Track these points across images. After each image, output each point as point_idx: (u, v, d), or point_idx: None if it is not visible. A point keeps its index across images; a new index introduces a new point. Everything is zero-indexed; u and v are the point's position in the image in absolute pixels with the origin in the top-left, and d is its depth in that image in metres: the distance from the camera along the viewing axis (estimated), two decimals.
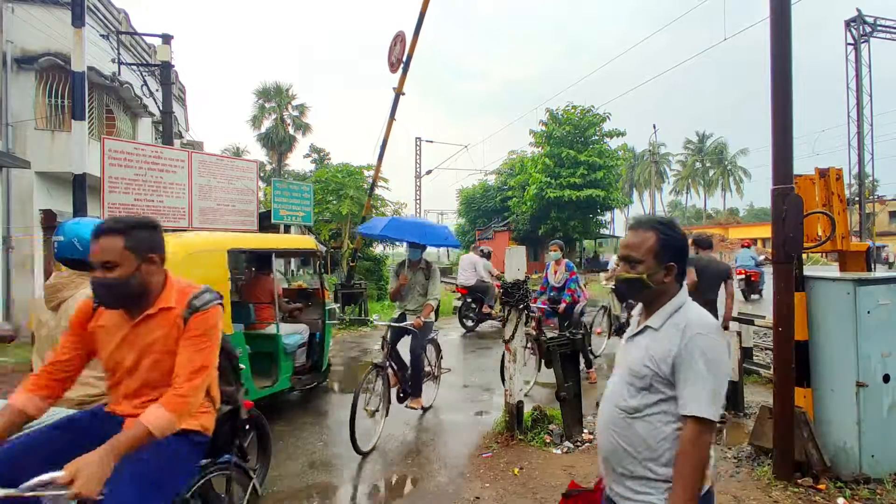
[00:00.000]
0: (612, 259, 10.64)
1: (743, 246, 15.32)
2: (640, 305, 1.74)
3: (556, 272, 7.07)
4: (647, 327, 1.63)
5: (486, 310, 10.17)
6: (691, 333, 1.50)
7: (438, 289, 5.26)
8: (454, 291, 11.68)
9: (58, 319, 2.36)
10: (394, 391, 5.01)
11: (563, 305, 6.73)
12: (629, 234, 1.67)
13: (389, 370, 4.88)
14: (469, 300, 10.21)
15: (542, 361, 6.08)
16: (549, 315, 7.03)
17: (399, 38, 9.55)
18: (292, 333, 5.52)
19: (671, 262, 1.60)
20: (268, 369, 5.21)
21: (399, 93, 9.50)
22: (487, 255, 10.88)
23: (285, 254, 6.45)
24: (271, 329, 5.33)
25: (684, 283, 1.68)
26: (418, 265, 5.27)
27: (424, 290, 5.23)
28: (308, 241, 6.52)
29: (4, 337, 2.56)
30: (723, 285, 5.52)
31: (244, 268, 6.84)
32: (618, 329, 8.26)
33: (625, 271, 1.65)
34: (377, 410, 4.59)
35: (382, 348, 5.02)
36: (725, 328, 5.70)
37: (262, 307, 5.68)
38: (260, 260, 6.02)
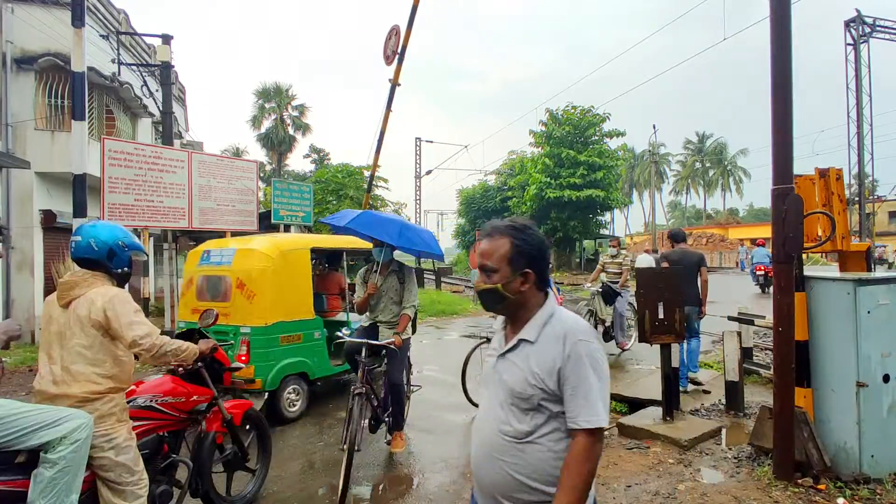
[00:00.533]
0: (643, 258, 10.89)
1: (758, 245, 18.22)
2: (500, 318, 1.64)
3: None
4: (521, 341, 1.51)
5: None
6: (573, 341, 1.42)
7: (416, 293, 4.46)
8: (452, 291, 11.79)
9: (67, 316, 2.40)
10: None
11: None
12: (483, 242, 1.55)
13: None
14: None
15: None
16: None
17: (394, 31, 9.63)
18: (357, 321, 6.04)
19: (527, 269, 1.50)
20: (340, 351, 5.79)
21: (395, 83, 9.58)
22: None
23: (352, 253, 7.31)
24: (342, 316, 6.14)
25: (550, 291, 1.58)
26: (389, 267, 4.47)
27: (399, 296, 4.41)
28: (364, 243, 7.28)
29: (15, 336, 2.62)
30: (698, 273, 5.91)
31: (316, 264, 7.32)
32: (603, 333, 8.08)
33: (482, 282, 1.53)
34: (360, 449, 3.80)
35: (353, 369, 4.29)
36: (702, 313, 6.03)
37: (332, 298, 6.57)
38: (331, 258, 6.79)
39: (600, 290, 8.10)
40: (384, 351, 4.24)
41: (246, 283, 5.03)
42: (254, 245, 5.40)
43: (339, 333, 4.20)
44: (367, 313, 4.55)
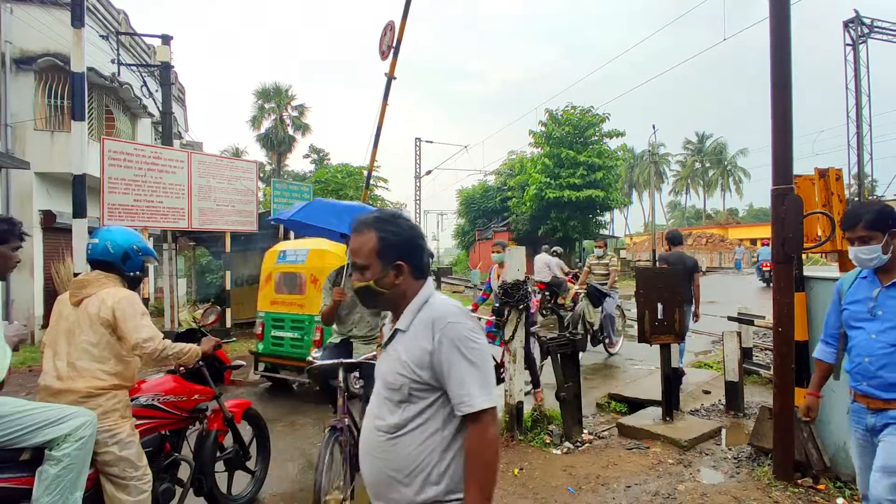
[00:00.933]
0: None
1: (763, 244, 20.45)
2: (390, 314, 1.59)
3: (499, 277, 5.78)
4: (396, 331, 1.47)
5: (560, 300, 11.77)
6: (442, 325, 1.37)
7: None
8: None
9: (77, 314, 2.47)
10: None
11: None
12: (352, 238, 1.49)
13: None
14: (547, 294, 11.86)
15: None
16: (494, 327, 5.59)
17: (389, 26, 9.68)
18: None
19: (398, 260, 1.44)
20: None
21: (391, 77, 9.63)
22: (559, 255, 12.51)
23: None
24: None
25: (429, 278, 1.53)
26: None
27: None
28: None
29: (24, 338, 2.75)
30: (692, 277, 6.06)
31: None
32: (592, 337, 7.87)
33: (356, 279, 1.48)
34: (346, 499, 2.98)
35: (329, 399, 3.53)
36: (696, 317, 6.23)
37: None
38: None
39: (586, 291, 7.85)
40: (357, 372, 3.61)
41: (319, 278, 5.77)
42: (324, 246, 6.15)
43: (311, 357, 3.57)
44: (336, 326, 3.88)
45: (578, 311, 7.91)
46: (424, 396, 1.39)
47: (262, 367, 6.37)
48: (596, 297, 7.77)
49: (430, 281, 1.54)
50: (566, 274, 11.42)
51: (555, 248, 12.63)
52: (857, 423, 2.29)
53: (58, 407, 2.26)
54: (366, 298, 1.51)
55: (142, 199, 8.73)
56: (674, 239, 6.55)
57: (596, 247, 8.42)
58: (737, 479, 3.78)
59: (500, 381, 5.45)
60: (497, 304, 5.40)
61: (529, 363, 5.37)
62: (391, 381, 1.42)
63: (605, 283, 7.89)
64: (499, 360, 5.38)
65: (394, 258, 1.44)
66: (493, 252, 6.02)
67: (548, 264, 11.58)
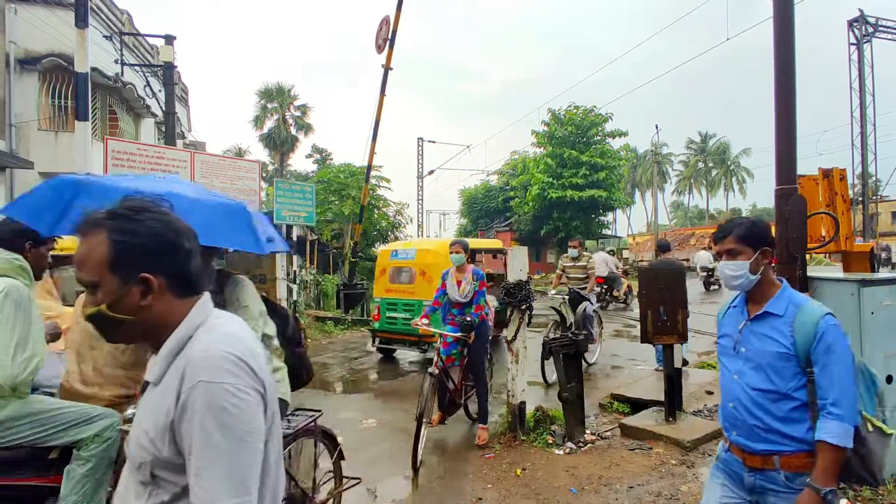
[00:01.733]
0: (701, 255, 13.62)
1: None
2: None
3: (458, 283, 4.79)
4: (146, 383, 1.07)
5: (615, 293, 13.74)
6: (191, 383, 0.95)
7: (263, 315, 2.56)
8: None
9: None
10: None
11: (472, 335, 4.58)
12: (78, 244, 1.04)
13: None
14: (605, 287, 13.41)
15: (437, 408, 4.78)
16: (452, 348, 4.69)
17: (384, 21, 9.76)
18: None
19: (143, 272, 1.01)
20: None
21: (388, 68, 9.70)
22: (612, 254, 14.72)
23: (484, 251, 9.46)
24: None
25: (205, 296, 1.10)
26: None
27: None
28: (497, 243, 10.13)
29: (56, 336, 2.84)
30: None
31: None
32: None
33: (87, 303, 1.03)
34: None
35: None
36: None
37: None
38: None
39: (566, 297, 7.04)
40: None
41: (426, 271, 7.37)
42: (429, 246, 7.89)
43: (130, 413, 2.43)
44: None
45: (576, 316, 7.38)
46: (175, 481, 0.98)
47: (377, 341, 7.98)
48: (578, 304, 6.97)
49: (206, 301, 1.09)
50: (617, 269, 12.71)
51: (610, 248, 14.48)
52: (729, 474, 1.92)
53: (87, 406, 2.30)
54: (104, 331, 1.06)
55: None
56: (662, 247, 7.34)
57: (570, 246, 7.41)
58: None
59: (456, 406, 4.91)
60: (467, 319, 4.64)
61: (480, 391, 4.73)
62: (133, 454, 1.02)
63: (584, 288, 7.19)
64: (456, 383, 4.79)
65: (136, 269, 1.01)
66: (453, 252, 4.85)
67: (605, 261, 12.99)
